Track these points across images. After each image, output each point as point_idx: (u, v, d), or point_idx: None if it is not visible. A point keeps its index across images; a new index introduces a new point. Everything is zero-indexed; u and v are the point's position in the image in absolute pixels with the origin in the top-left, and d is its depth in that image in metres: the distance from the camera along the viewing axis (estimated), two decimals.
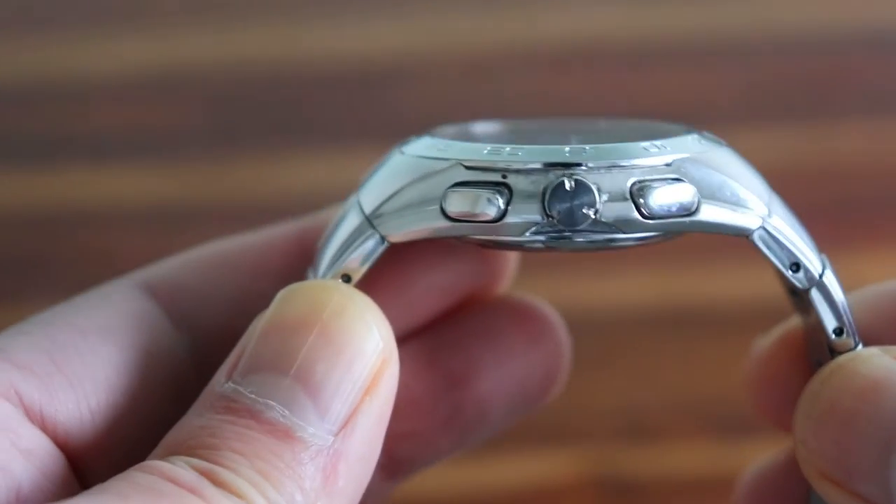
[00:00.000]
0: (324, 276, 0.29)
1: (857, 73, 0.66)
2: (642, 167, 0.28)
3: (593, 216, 0.28)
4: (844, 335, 0.30)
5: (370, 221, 0.29)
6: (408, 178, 0.29)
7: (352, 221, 0.29)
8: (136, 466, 0.26)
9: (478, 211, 0.28)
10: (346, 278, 0.29)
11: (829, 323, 0.29)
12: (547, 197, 0.28)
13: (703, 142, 0.30)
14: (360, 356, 0.27)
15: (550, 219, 0.28)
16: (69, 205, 0.61)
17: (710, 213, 0.28)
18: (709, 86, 0.65)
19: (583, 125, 0.34)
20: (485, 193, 0.28)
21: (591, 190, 0.28)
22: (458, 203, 0.28)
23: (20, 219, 0.61)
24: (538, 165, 0.28)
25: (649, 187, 0.28)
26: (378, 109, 0.65)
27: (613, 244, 0.28)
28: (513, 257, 0.35)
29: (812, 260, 0.29)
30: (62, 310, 0.30)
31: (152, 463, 0.26)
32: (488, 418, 0.34)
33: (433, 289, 0.34)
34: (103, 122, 0.65)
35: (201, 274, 0.32)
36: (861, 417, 0.27)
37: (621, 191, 0.28)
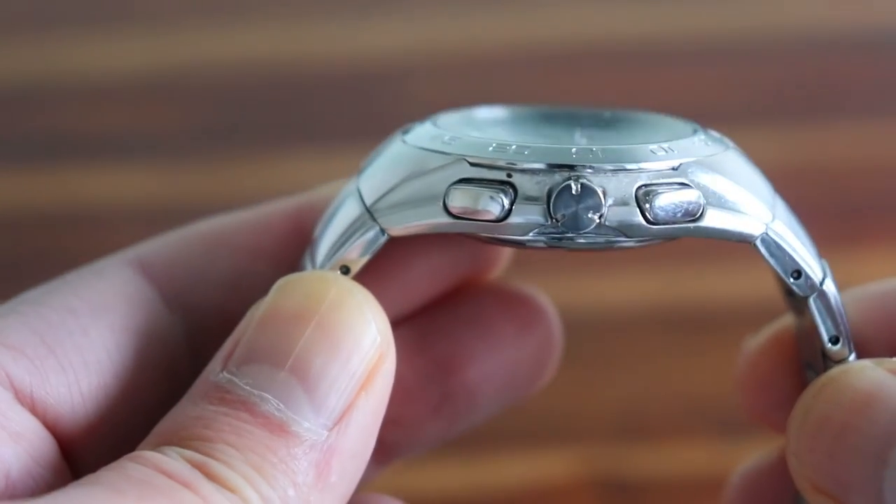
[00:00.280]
0: (322, 266, 0.29)
1: (856, 73, 0.66)
2: (649, 171, 0.28)
3: (598, 220, 0.27)
4: (840, 344, 0.29)
5: (371, 213, 0.29)
6: (410, 171, 0.28)
7: (352, 211, 0.29)
8: (129, 456, 0.25)
9: (481, 209, 0.28)
10: (345, 270, 0.28)
11: (826, 331, 0.29)
12: (552, 200, 0.27)
13: (709, 143, 0.29)
14: (358, 350, 0.27)
15: (555, 221, 0.27)
16: (69, 205, 0.61)
17: (714, 220, 0.28)
18: (709, 86, 0.65)
19: (587, 117, 0.33)
20: (489, 192, 0.27)
21: (596, 194, 0.27)
22: (461, 200, 0.28)
23: (20, 219, 0.61)
24: (544, 166, 0.27)
25: (655, 192, 0.27)
26: (378, 109, 0.65)
27: (614, 245, 0.28)
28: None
29: (813, 267, 0.29)
30: (54, 288, 0.29)
31: (145, 454, 0.25)
32: (477, 405, 0.34)
33: (427, 273, 0.33)
34: (103, 122, 0.65)
35: (196, 253, 0.32)
36: (854, 431, 0.27)
37: (627, 195, 0.27)
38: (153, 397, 0.29)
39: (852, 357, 0.30)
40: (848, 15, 0.69)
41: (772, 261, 0.29)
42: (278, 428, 0.26)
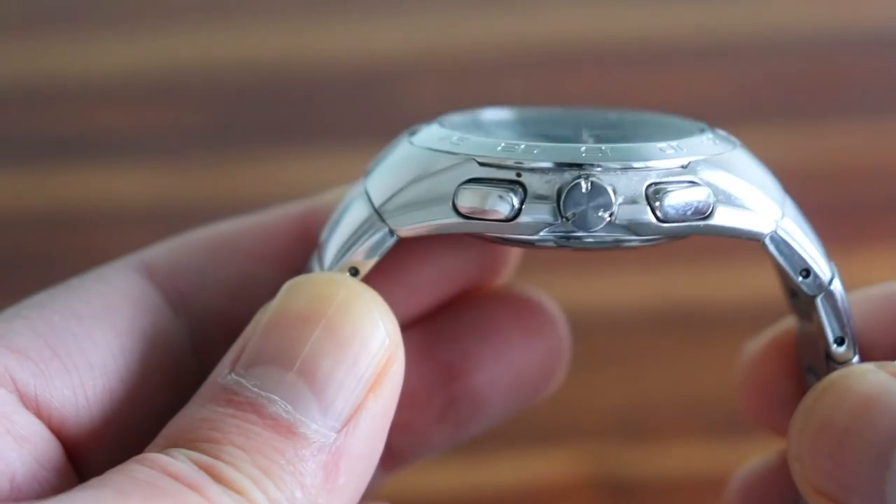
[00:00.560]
0: (330, 268, 0.29)
1: (856, 73, 0.66)
2: (658, 169, 0.28)
3: (608, 219, 0.27)
4: (845, 345, 0.29)
5: (379, 215, 0.28)
6: (419, 172, 0.28)
7: (360, 213, 0.29)
8: (135, 459, 0.25)
9: (490, 209, 0.27)
10: (354, 272, 0.28)
11: (832, 331, 0.29)
12: (562, 198, 0.27)
13: (717, 142, 0.29)
14: (366, 352, 0.27)
15: (565, 220, 0.27)
16: (69, 205, 0.61)
17: (724, 218, 0.28)
18: (709, 85, 0.65)
19: (593, 118, 0.33)
20: (498, 191, 0.27)
21: (606, 192, 0.27)
22: (470, 200, 0.27)
23: (20, 219, 0.61)
24: (553, 165, 0.27)
25: (665, 190, 0.27)
26: (378, 109, 0.65)
27: (621, 244, 0.28)
28: (517, 250, 0.35)
29: (822, 266, 0.29)
30: (59, 293, 0.29)
31: (152, 456, 0.25)
32: (484, 411, 0.34)
33: (435, 277, 0.33)
34: (103, 122, 0.65)
35: (201, 257, 0.32)
36: (856, 434, 0.27)
37: (637, 193, 0.27)
38: (158, 401, 0.29)
39: (856, 359, 0.29)
40: (848, 15, 0.69)
41: (781, 259, 0.29)
42: (286, 429, 0.26)
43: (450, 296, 0.34)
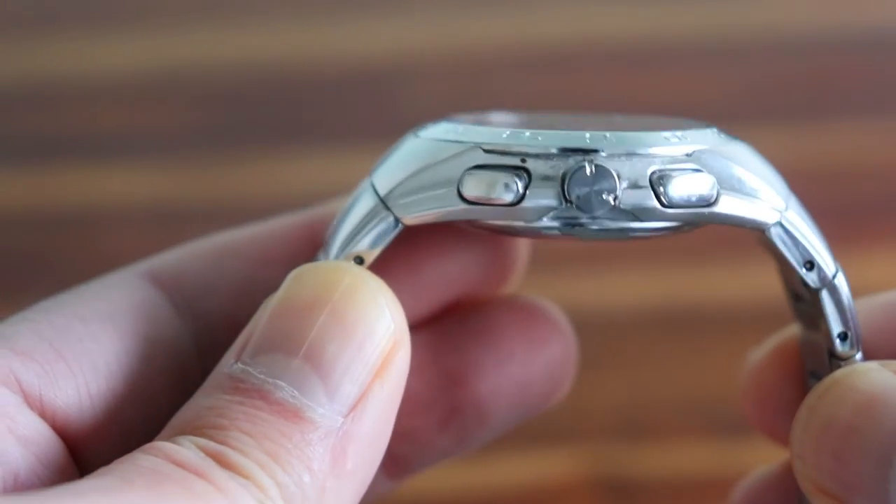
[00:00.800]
0: (335, 258, 0.29)
1: (854, 73, 0.66)
2: (663, 156, 0.28)
3: (612, 202, 0.27)
4: (849, 341, 0.29)
5: (384, 203, 0.28)
6: (424, 161, 0.28)
7: (365, 204, 0.29)
8: (142, 448, 0.25)
9: (495, 194, 0.28)
10: (359, 260, 0.28)
11: (836, 326, 0.29)
12: (567, 181, 0.27)
13: (721, 136, 0.29)
14: (372, 337, 0.27)
15: (569, 204, 0.27)
16: (69, 205, 0.61)
17: (728, 206, 0.28)
18: (709, 85, 0.65)
19: (599, 119, 0.33)
20: (503, 176, 0.27)
21: (611, 175, 0.27)
22: (475, 186, 0.28)
23: (20, 219, 0.61)
24: (558, 150, 0.28)
25: (669, 176, 0.28)
26: (378, 109, 0.65)
27: (627, 233, 0.28)
28: (524, 253, 0.35)
29: (826, 259, 0.29)
30: (65, 298, 0.30)
31: (158, 444, 0.25)
32: (488, 420, 0.34)
33: (443, 278, 0.33)
34: (103, 122, 0.65)
35: (205, 262, 0.32)
36: (859, 432, 0.26)
37: (641, 178, 0.28)
38: (163, 402, 0.29)
39: (859, 356, 0.30)
40: (847, 15, 0.69)
41: (785, 250, 0.29)
42: (293, 414, 0.26)
43: (455, 300, 0.34)
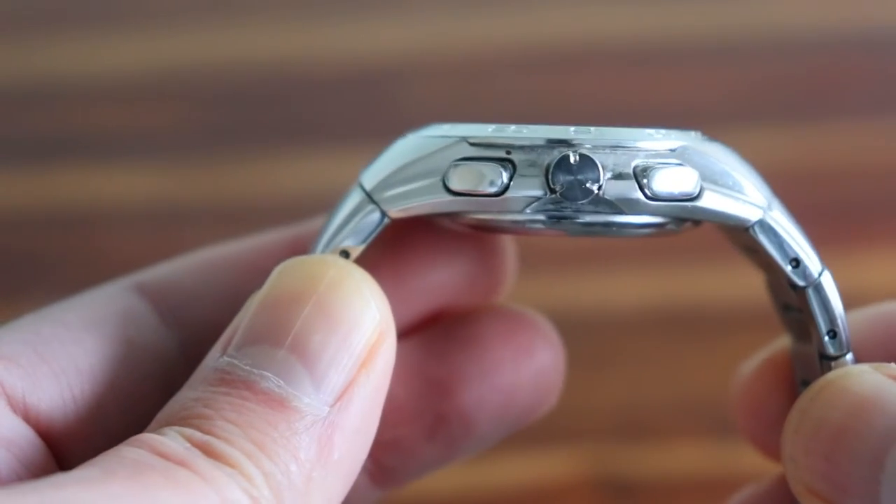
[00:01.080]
0: (321, 252, 0.29)
1: (854, 73, 0.66)
2: (647, 150, 0.28)
3: (596, 191, 0.28)
4: (837, 339, 0.29)
5: (370, 197, 0.29)
6: (411, 156, 0.29)
7: (352, 200, 0.29)
8: (127, 441, 0.25)
9: (481, 185, 0.28)
10: (345, 254, 0.29)
11: (824, 324, 0.29)
12: (551, 170, 0.28)
13: (705, 138, 0.30)
14: (357, 328, 0.27)
15: (553, 193, 0.28)
16: (69, 205, 0.61)
17: (711, 201, 0.28)
18: (708, 85, 0.65)
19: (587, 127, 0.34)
20: (488, 168, 0.28)
21: (595, 165, 0.28)
22: (461, 177, 0.28)
23: (20, 219, 0.61)
24: (543, 142, 0.28)
25: (653, 168, 0.28)
26: (378, 109, 0.65)
27: (613, 228, 0.28)
28: (512, 264, 0.35)
29: (812, 257, 0.29)
30: (51, 308, 0.30)
31: (142, 436, 0.25)
32: (474, 430, 0.34)
33: (430, 287, 0.33)
34: (103, 122, 0.65)
35: (192, 274, 0.32)
36: (851, 434, 0.26)
37: (625, 170, 0.28)
38: (149, 407, 0.29)
39: (850, 357, 0.30)
40: (847, 15, 0.69)
41: (769, 247, 0.29)
42: (279, 404, 0.26)
43: (442, 309, 0.34)
